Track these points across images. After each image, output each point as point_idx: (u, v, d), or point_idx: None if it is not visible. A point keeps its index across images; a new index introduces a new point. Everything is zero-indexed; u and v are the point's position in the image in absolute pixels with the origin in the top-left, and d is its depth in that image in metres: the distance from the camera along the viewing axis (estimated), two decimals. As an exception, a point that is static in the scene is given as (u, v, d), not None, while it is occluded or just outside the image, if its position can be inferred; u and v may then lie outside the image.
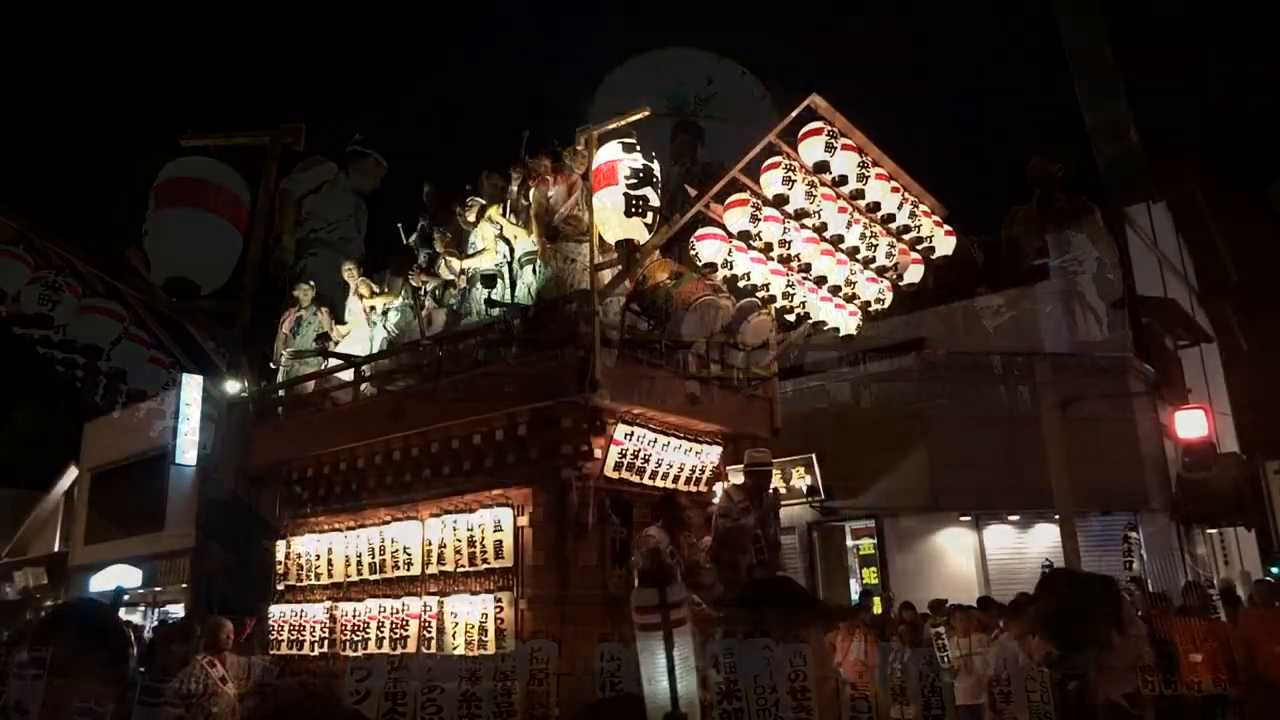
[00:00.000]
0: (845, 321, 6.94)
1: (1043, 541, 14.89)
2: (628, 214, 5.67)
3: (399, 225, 8.02)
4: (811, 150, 5.52)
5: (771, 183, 5.59)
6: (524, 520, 6.10)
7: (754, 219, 5.69)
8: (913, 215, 6.29)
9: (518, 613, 5.94)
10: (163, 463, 22.83)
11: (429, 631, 6.32)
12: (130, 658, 2.73)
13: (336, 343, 7.72)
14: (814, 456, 14.29)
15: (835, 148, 5.51)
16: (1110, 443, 15.16)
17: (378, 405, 6.98)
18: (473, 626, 6.02)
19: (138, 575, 23.00)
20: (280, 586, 7.41)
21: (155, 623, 19.70)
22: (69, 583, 24.13)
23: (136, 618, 21.62)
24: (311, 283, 7.95)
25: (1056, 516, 13.29)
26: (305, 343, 7.90)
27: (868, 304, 6.83)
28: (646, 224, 5.72)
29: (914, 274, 6.86)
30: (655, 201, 5.75)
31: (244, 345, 7.57)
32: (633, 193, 5.66)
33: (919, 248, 6.56)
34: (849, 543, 14.92)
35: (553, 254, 6.57)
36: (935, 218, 6.58)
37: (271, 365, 7.95)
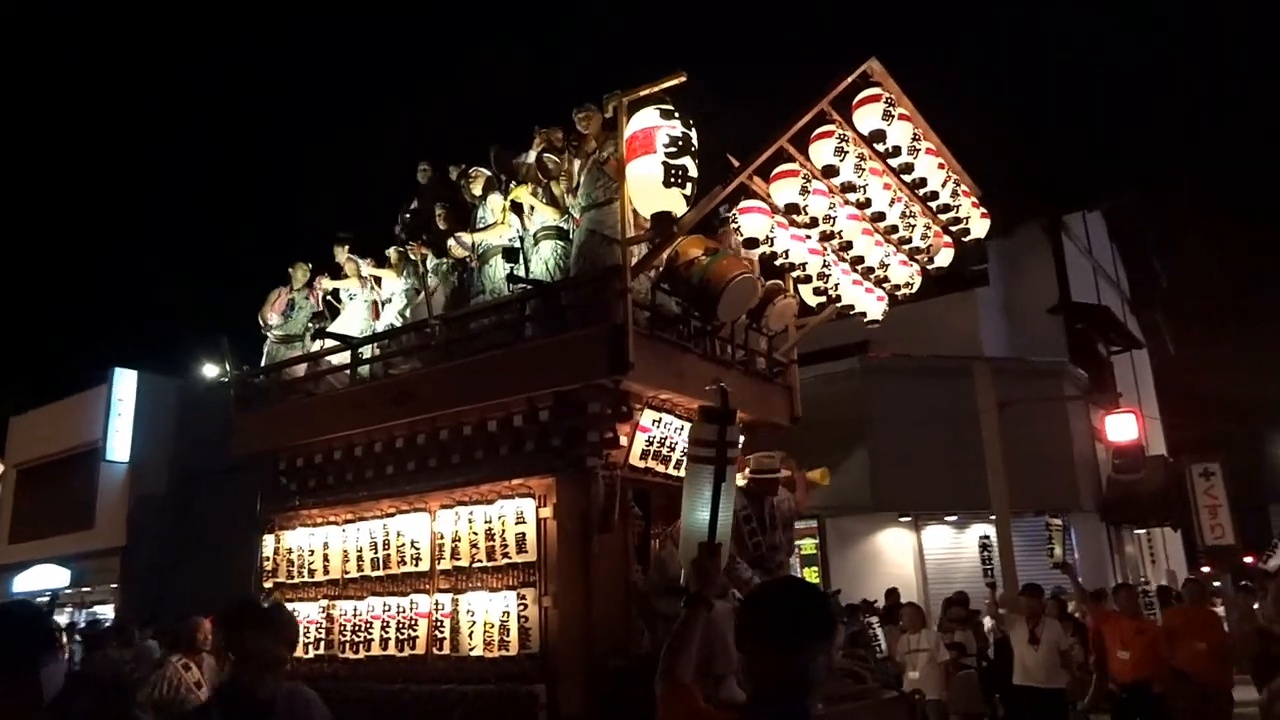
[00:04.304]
0: (873, 306, 6.69)
1: (979, 542, 15.30)
2: (666, 184, 5.32)
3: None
4: (868, 118, 5.22)
5: (822, 153, 5.28)
6: (547, 512, 5.69)
7: (803, 191, 5.38)
8: (954, 194, 6.05)
9: (542, 610, 5.55)
10: (93, 459, 22.28)
11: (441, 631, 5.89)
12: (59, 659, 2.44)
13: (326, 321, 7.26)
14: (755, 457, 14.33)
15: (893, 116, 5.22)
16: (1045, 445, 15.63)
17: (379, 389, 6.51)
18: (493, 626, 5.61)
19: (65, 575, 22.23)
20: (268, 584, 6.89)
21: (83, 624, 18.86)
22: (-7, 581, 23.10)
23: (63, 619, 20.85)
24: (309, 264, 7.46)
25: (992, 517, 13.52)
26: (296, 327, 7.41)
27: (897, 288, 6.58)
28: (685, 195, 5.38)
29: (944, 257, 6.63)
30: (694, 172, 5.41)
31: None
32: (672, 162, 5.31)
33: (954, 228, 6.32)
34: (791, 542, 15.03)
35: (578, 227, 6.21)
36: (973, 198, 6.35)
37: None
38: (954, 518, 15.79)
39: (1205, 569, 24.07)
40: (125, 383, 22.78)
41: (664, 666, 2.40)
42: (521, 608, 5.54)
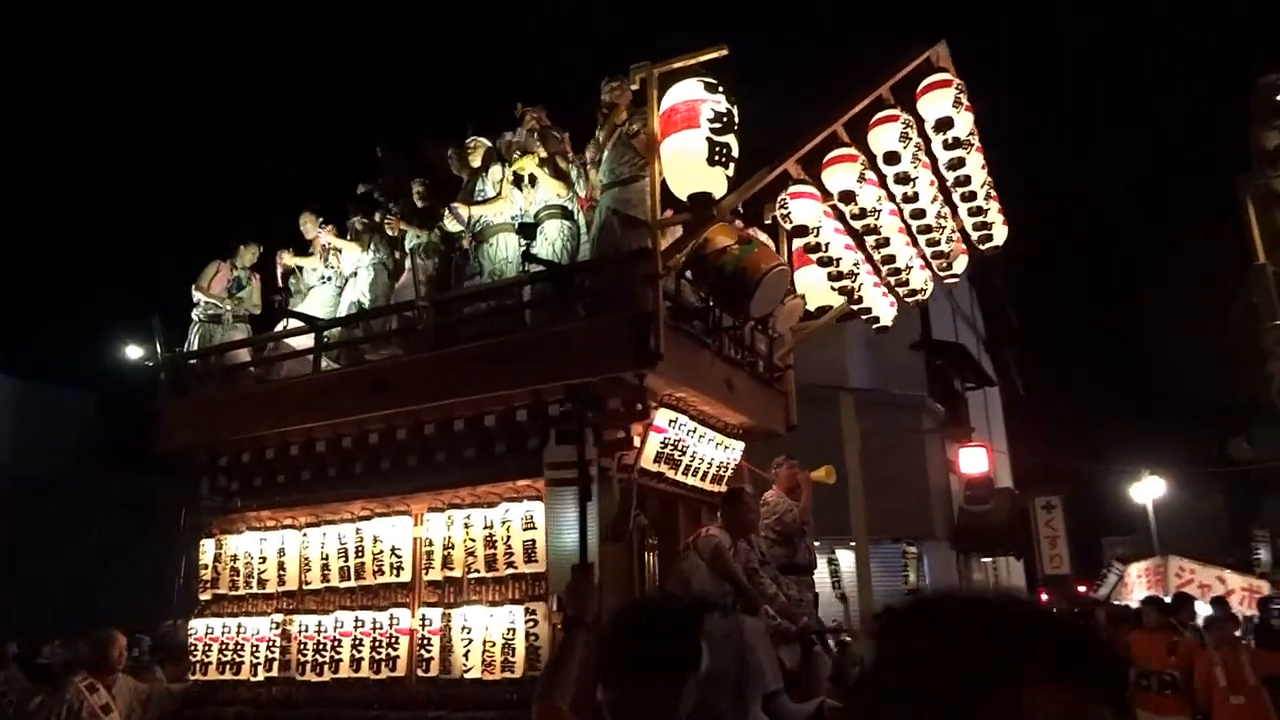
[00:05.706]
0: (885, 310, 6.39)
1: (839, 567, 15.55)
2: (710, 162, 4.86)
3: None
4: (937, 104, 4.89)
5: (885, 138, 4.92)
6: (557, 517, 5.11)
7: (860, 178, 5.02)
8: (987, 196, 5.81)
9: (553, 628, 4.94)
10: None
11: (428, 650, 5.18)
12: None
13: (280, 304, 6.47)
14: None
15: (962, 104, 4.92)
16: (903, 475, 16.09)
17: (351, 378, 5.76)
18: (493, 645, 4.95)
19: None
20: (206, 596, 6.01)
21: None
22: None
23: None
24: (259, 246, 6.69)
25: (853, 543, 13.81)
26: (239, 307, 6.60)
27: (912, 292, 6.29)
28: (728, 176, 4.95)
29: (960, 264, 6.38)
30: (736, 152, 4.99)
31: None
32: (716, 139, 4.87)
33: (978, 234, 6.07)
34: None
35: (583, 208, 5.69)
36: (998, 203, 6.13)
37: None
38: (818, 543, 16.00)
39: (1044, 597, 25.25)
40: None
41: (541, 689, 2.33)
42: (530, 624, 4.92)
